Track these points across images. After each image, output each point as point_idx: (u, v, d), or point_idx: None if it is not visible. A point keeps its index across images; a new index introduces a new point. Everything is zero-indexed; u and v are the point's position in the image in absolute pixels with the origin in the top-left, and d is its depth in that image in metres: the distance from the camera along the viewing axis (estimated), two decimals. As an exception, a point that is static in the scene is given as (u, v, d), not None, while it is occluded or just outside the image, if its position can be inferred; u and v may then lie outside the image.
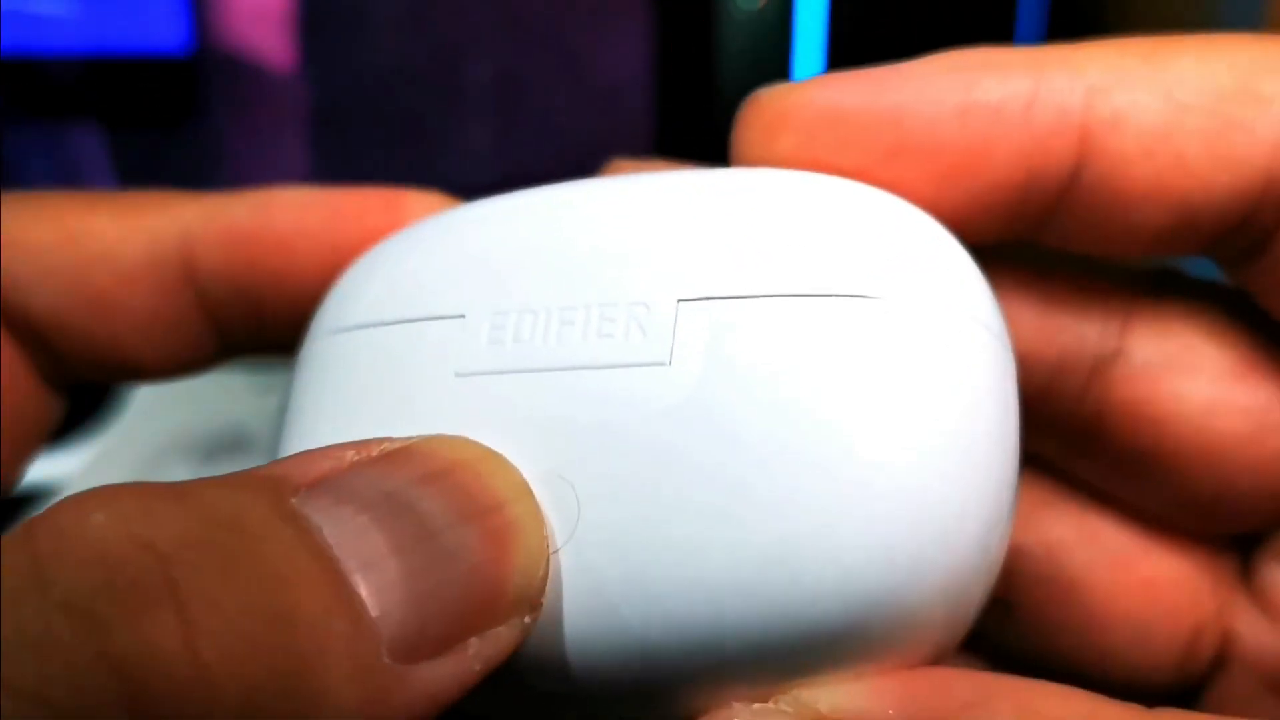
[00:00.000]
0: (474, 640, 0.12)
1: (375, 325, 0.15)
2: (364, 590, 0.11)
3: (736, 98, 0.16)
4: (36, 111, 0.43)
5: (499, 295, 0.14)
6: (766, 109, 0.15)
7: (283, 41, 0.42)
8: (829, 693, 0.12)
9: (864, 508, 0.12)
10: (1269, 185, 0.14)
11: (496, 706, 0.14)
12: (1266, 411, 0.16)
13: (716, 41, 0.40)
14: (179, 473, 0.45)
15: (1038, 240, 0.16)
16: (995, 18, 0.39)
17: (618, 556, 0.13)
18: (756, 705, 0.13)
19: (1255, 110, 0.14)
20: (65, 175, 0.43)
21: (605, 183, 0.15)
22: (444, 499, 0.12)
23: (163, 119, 0.43)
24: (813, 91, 0.15)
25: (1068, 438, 0.17)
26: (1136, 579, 0.17)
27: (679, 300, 0.13)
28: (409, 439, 0.13)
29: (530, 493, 0.13)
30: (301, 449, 0.13)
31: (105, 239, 0.18)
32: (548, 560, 0.13)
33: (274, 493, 0.11)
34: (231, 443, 0.40)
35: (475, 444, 0.13)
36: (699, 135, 0.41)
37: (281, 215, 0.18)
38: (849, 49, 0.39)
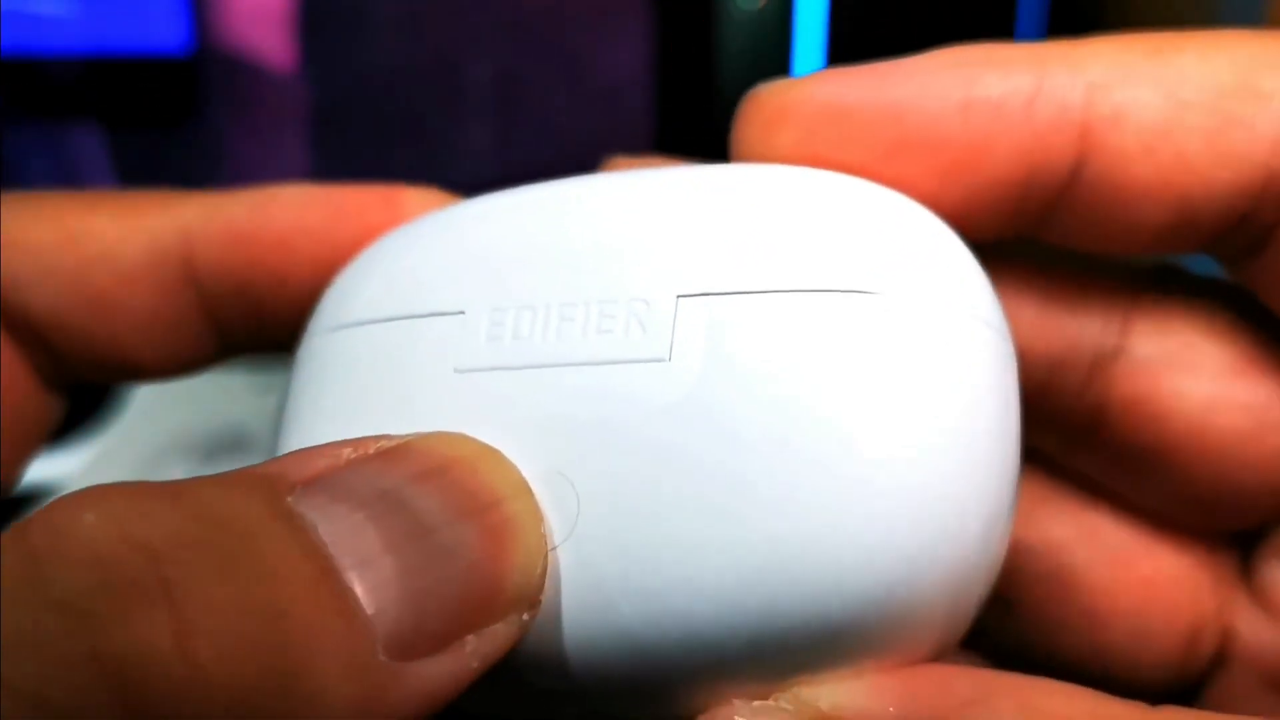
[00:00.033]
0: (471, 638, 0.12)
1: (374, 322, 0.15)
2: (359, 588, 0.11)
3: (736, 98, 0.16)
4: (36, 111, 0.43)
5: (498, 291, 0.14)
6: (767, 104, 0.15)
7: (283, 41, 0.42)
8: (829, 690, 0.12)
9: (864, 505, 0.12)
10: (1269, 182, 0.14)
11: (495, 704, 0.14)
12: (1267, 408, 0.16)
13: (716, 41, 0.40)
14: (179, 473, 0.45)
15: (1039, 237, 0.16)
16: (995, 18, 0.39)
17: (617, 553, 0.13)
18: (756, 703, 0.12)
19: (1256, 107, 0.14)
20: (65, 175, 0.43)
21: (604, 179, 0.15)
22: (440, 496, 0.12)
23: (163, 119, 0.43)
24: (813, 87, 0.15)
25: (1068, 433, 0.17)
26: (1136, 576, 0.17)
27: (679, 296, 0.13)
28: (406, 436, 0.13)
29: (528, 490, 0.13)
30: (299, 447, 0.13)
31: (105, 239, 0.18)
32: (546, 557, 0.13)
33: (269, 491, 0.11)
34: (231, 443, 0.40)
35: (473, 441, 0.13)
36: (699, 135, 0.41)
37: (280, 213, 0.18)
38: (849, 49, 0.39)
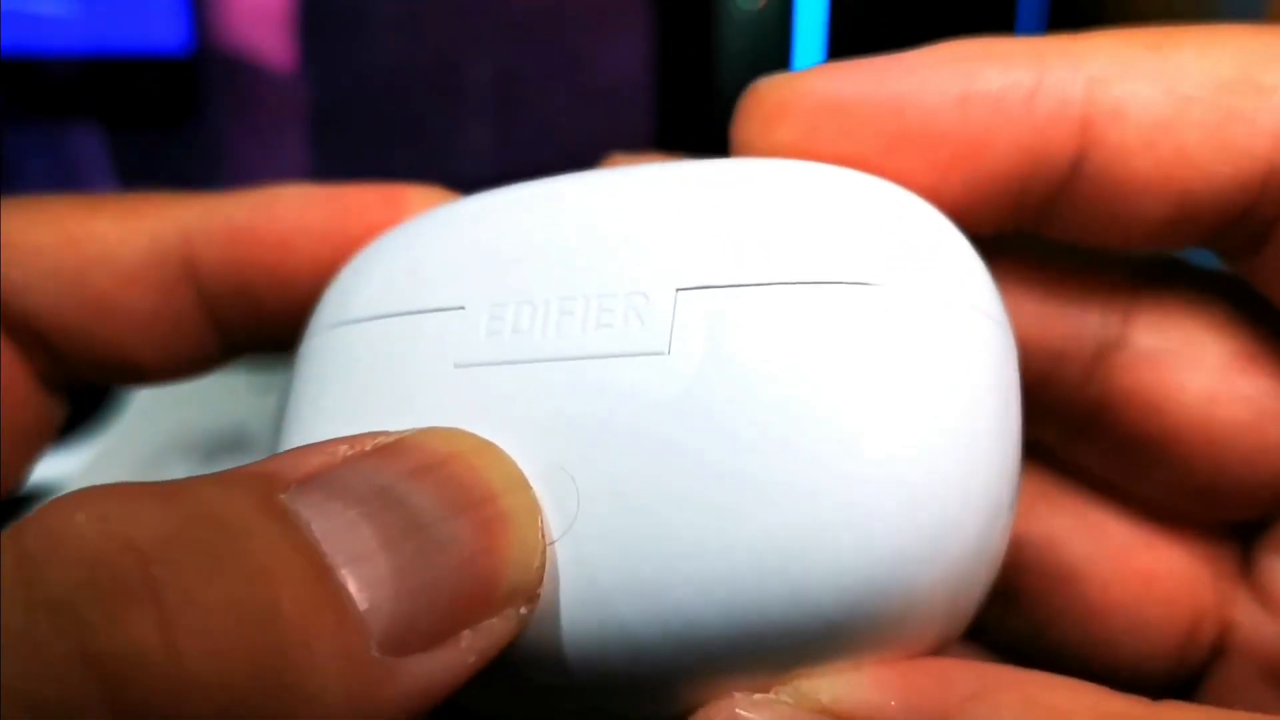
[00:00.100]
0: (467, 633, 0.12)
1: (374, 318, 0.15)
2: (352, 585, 0.11)
3: (736, 97, 0.16)
4: (36, 111, 0.43)
5: (498, 286, 0.14)
6: (766, 99, 0.15)
7: (283, 41, 0.42)
8: (830, 683, 0.12)
9: (863, 499, 0.12)
10: (1270, 176, 0.14)
11: (494, 700, 0.14)
12: (1267, 401, 0.16)
13: (716, 41, 0.40)
14: (179, 473, 0.45)
15: (1039, 232, 0.16)
16: (995, 18, 0.39)
17: (616, 548, 0.12)
18: (757, 696, 0.12)
19: (1256, 101, 0.14)
20: (65, 175, 0.43)
21: (603, 174, 0.15)
22: (436, 491, 0.12)
23: (163, 119, 0.43)
24: (813, 81, 0.15)
25: (1070, 425, 0.17)
26: (1136, 570, 0.17)
27: (678, 289, 0.13)
28: (402, 432, 0.13)
29: (526, 484, 0.13)
30: (299, 445, 0.13)
31: (105, 240, 0.18)
32: (544, 551, 0.13)
33: (263, 489, 0.12)
34: (231, 443, 0.40)
35: (470, 435, 0.13)
36: (699, 135, 0.41)
37: (281, 212, 0.18)
38: (849, 48, 0.39)
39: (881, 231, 0.13)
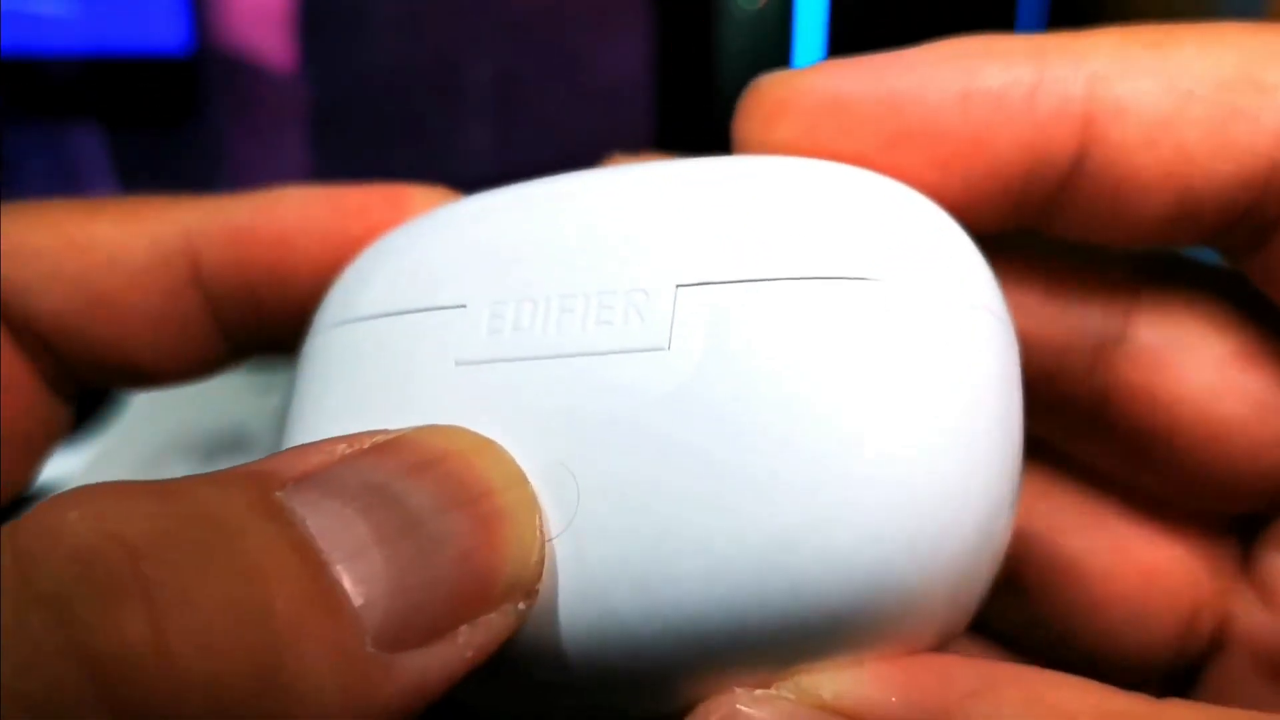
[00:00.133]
0: (465, 628, 0.12)
1: (376, 317, 0.15)
2: (347, 581, 0.11)
3: (736, 98, 0.16)
4: (36, 111, 0.43)
5: (499, 285, 0.14)
6: (767, 96, 0.15)
7: (283, 41, 0.42)
8: (831, 679, 0.12)
9: (863, 494, 0.12)
10: (1272, 174, 0.14)
11: (494, 697, 0.14)
12: (1268, 396, 0.16)
13: (716, 41, 0.40)
14: (179, 473, 0.45)
15: (1041, 229, 0.16)
16: (995, 18, 0.39)
17: (616, 544, 0.12)
18: (758, 691, 0.12)
19: (1258, 99, 0.14)
20: (65, 175, 0.43)
21: (604, 173, 0.15)
22: (432, 487, 0.12)
23: (163, 119, 0.43)
24: (814, 78, 0.15)
25: (1072, 421, 0.17)
26: (1136, 561, 0.17)
27: (678, 286, 0.13)
28: (400, 430, 0.13)
29: (524, 480, 0.13)
30: (300, 444, 0.13)
31: (109, 243, 0.18)
32: (542, 547, 0.13)
33: (258, 487, 0.11)
34: (231, 443, 0.40)
35: (468, 433, 0.13)
36: (699, 135, 0.41)
37: (285, 213, 0.18)
38: (849, 48, 0.39)
39: (882, 227, 0.13)
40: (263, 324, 0.18)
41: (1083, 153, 0.15)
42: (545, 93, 0.43)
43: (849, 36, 0.38)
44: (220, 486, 0.11)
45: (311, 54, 0.43)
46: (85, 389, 0.19)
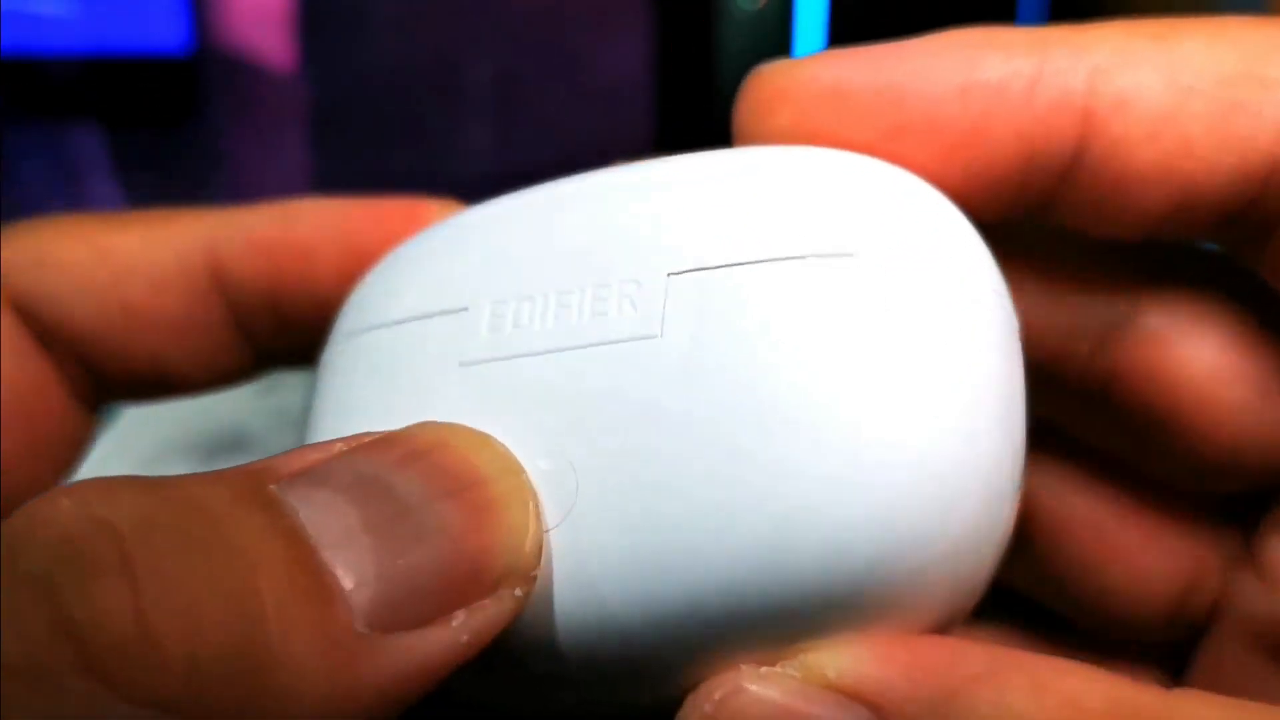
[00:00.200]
0: (460, 613, 0.12)
1: (386, 326, 0.15)
2: (337, 565, 0.11)
3: (736, 97, 0.16)
4: (36, 111, 0.43)
5: (499, 286, 0.14)
6: (768, 85, 0.15)
7: (283, 41, 0.42)
8: (835, 657, 0.12)
9: (857, 470, 0.12)
10: (1274, 169, 0.14)
11: (496, 690, 0.14)
12: (1270, 380, 0.16)
13: (716, 41, 0.40)
14: (178, 473, 0.45)
15: (1041, 221, 0.16)
16: (996, 18, 0.39)
17: (615, 530, 0.13)
18: (764, 669, 0.12)
19: (1261, 94, 0.14)
20: (65, 175, 0.43)
21: (599, 173, 0.15)
22: (423, 477, 0.12)
23: (163, 119, 0.43)
24: (814, 68, 0.15)
25: (1079, 403, 0.17)
26: (1134, 528, 0.18)
27: (669, 274, 0.13)
28: (396, 428, 0.13)
29: (518, 470, 0.13)
30: None
31: (133, 252, 0.18)
32: (538, 534, 0.13)
33: (252, 482, 0.12)
34: (231, 443, 0.40)
35: (460, 427, 0.13)
36: (699, 135, 0.41)
37: (304, 223, 0.18)
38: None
39: (870, 205, 0.13)
40: (284, 332, 0.19)
41: (1083, 145, 0.15)
42: (545, 93, 0.43)
43: (849, 36, 0.38)
44: (213, 482, 0.12)
45: (311, 54, 0.43)
46: (110, 399, 0.19)
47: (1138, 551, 0.18)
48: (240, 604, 0.11)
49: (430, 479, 0.12)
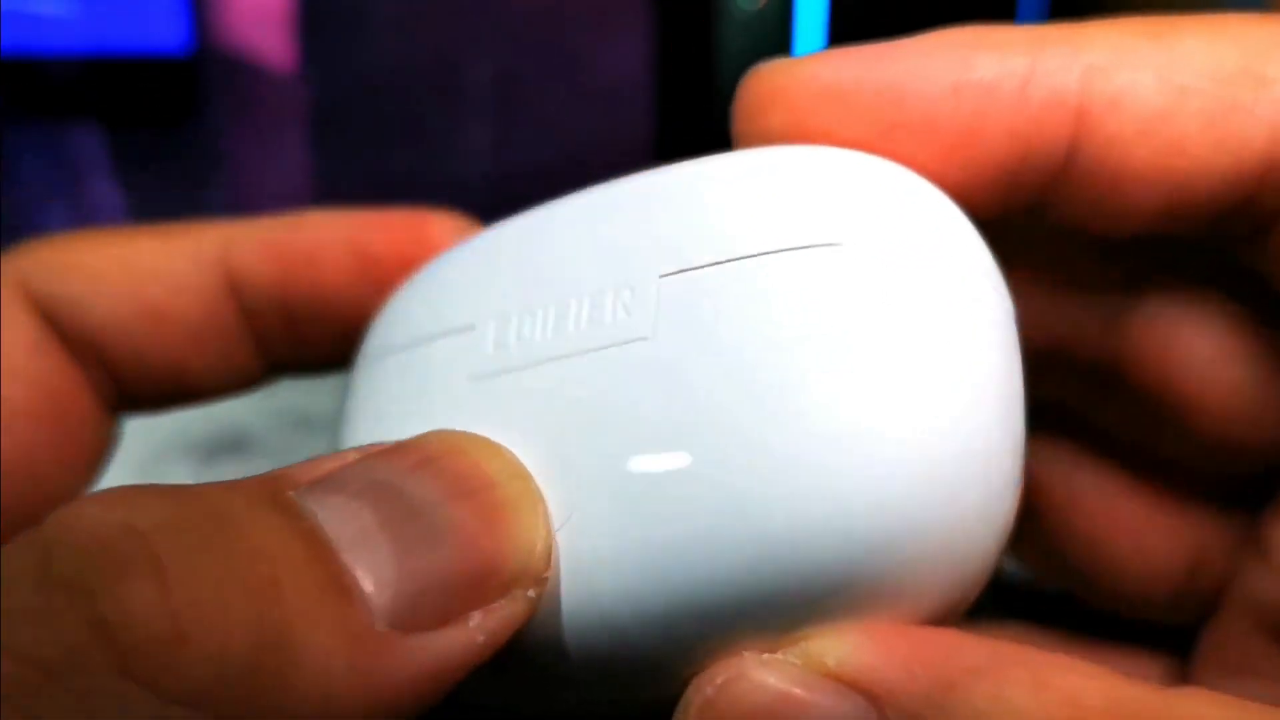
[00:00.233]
0: (477, 614, 0.12)
1: (403, 348, 0.16)
2: (355, 566, 0.12)
3: (736, 98, 0.16)
4: (36, 111, 0.43)
5: (503, 302, 0.15)
6: (764, 84, 0.15)
7: (283, 41, 0.42)
8: (836, 645, 0.12)
9: (843, 457, 0.12)
10: (1269, 169, 0.14)
11: (506, 689, 0.14)
12: (1272, 363, 0.16)
13: (716, 41, 0.40)
14: (179, 472, 0.45)
15: (1040, 217, 0.16)
16: (996, 18, 0.39)
17: (615, 532, 0.13)
18: (765, 655, 0.13)
19: (1257, 93, 0.14)
20: (65, 175, 0.43)
21: (593, 189, 0.16)
22: (435, 481, 0.13)
23: (163, 119, 0.43)
24: (810, 67, 0.15)
25: (1087, 382, 0.18)
26: (1140, 505, 0.18)
27: (661, 276, 0.14)
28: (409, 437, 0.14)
29: (526, 474, 0.13)
30: None
31: (153, 256, 0.19)
32: (548, 536, 0.13)
33: (270, 488, 0.12)
34: (231, 443, 0.40)
35: (470, 435, 0.14)
36: (699, 135, 0.41)
37: (312, 230, 0.19)
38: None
39: (852, 195, 0.14)
40: (293, 336, 0.20)
41: (1076, 144, 0.15)
42: (545, 93, 0.43)
43: (849, 36, 0.38)
44: (234, 488, 0.12)
45: (311, 54, 0.43)
46: (127, 408, 0.20)
47: (1143, 528, 0.18)
48: (264, 602, 0.11)
49: (442, 483, 0.13)
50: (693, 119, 0.42)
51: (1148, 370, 0.17)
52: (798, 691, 0.12)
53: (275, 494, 0.12)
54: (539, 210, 0.16)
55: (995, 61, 0.15)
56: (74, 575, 0.11)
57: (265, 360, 0.20)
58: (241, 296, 0.19)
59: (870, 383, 0.12)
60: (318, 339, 0.20)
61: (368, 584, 0.12)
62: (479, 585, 0.12)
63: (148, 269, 0.19)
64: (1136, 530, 0.18)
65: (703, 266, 0.13)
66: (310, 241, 0.19)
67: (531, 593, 0.13)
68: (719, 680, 0.13)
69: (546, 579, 0.13)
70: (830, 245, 0.13)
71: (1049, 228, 0.17)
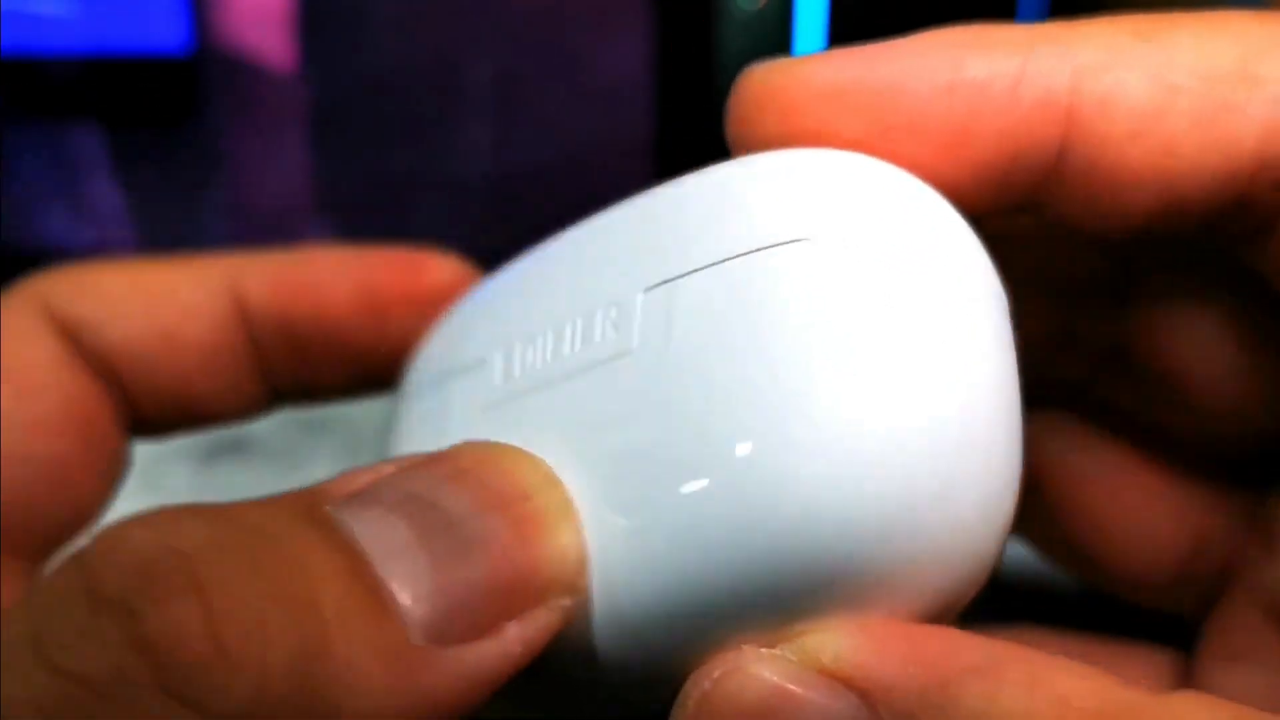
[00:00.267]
0: (513, 624, 0.13)
1: (429, 383, 0.18)
2: (392, 579, 0.12)
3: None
4: (36, 111, 0.43)
5: (508, 336, 0.16)
6: (756, 87, 0.16)
7: (283, 41, 0.42)
8: (834, 641, 0.12)
9: (827, 459, 0.12)
10: (1261, 169, 0.14)
11: (535, 696, 0.15)
12: (1269, 351, 0.16)
13: (716, 41, 0.40)
14: (179, 473, 0.45)
15: (1035, 215, 0.16)
16: (996, 17, 0.39)
17: (623, 541, 0.13)
18: (764, 650, 0.13)
19: (1248, 93, 0.14)
20: (65, 175, 0.43)
21: (594, 217, 0.16)
22: (469, 493, 0.13)
23: (163, 119, 0.43)
24: (801, 69, 0.15)
25: (1091, 363, 0.18)
26: (1142, 485, 0.18)
27: (644, 291, 0.14)
28: (441, 449, 0.14)
29: (558, 483, 0.14)
30: None
31: (167, 281, 0.20)
32: (579, 544, 0.13)
33: (306, 504, 0.13)
34: (232, 443, 0.40)
35: (502, 445, 0.14)
36: (699, 135, 0.41)
37: (320, 264, 0.20)
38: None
39: (825, 190, 0.14)
40: (299, 367, 0.21)
41: (1067, 145, 0.15)
42: (545, 93, 0.43)
43: (849, 36, 0.38)
44: (270, 505, 0.13)
45: (311, 54, 0.43)
46: (137, 431, 0.21)
47: (1146, 508, 0.18)
48: (303, 617, 0.11)
49: (476, 495, 0.13)
50: (693, 119, 0.42)
51: (1150, 349, 0.17)
52: (792, 687, 0.12)
53: (312, 510, 0.12)
54: (543, 245, 0.17)
55: (986, 62, 0.15)
56: (119, 597, 0.11)
57: (269, 387, 0.21)
58: (249, 325, 0.20)
59: (858, 374, 0.12)
60: (320, 369, 0.20)
61: (405, 598, 0.12)
62: (515, 596, 0.13)
63: (162, 294, 0.20)
64: (1139, 510, 0.18)
65: (682, 275, 0.14)
66: (317, 275, 0.20)
67: (566, 601, 0.13)
68: (716, 674, 0.13)
69: (581, 586, 0.13)
70: (801, 240, 0.13)
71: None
